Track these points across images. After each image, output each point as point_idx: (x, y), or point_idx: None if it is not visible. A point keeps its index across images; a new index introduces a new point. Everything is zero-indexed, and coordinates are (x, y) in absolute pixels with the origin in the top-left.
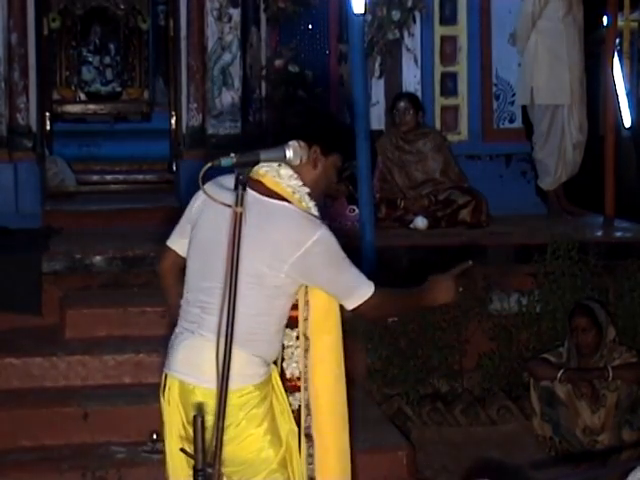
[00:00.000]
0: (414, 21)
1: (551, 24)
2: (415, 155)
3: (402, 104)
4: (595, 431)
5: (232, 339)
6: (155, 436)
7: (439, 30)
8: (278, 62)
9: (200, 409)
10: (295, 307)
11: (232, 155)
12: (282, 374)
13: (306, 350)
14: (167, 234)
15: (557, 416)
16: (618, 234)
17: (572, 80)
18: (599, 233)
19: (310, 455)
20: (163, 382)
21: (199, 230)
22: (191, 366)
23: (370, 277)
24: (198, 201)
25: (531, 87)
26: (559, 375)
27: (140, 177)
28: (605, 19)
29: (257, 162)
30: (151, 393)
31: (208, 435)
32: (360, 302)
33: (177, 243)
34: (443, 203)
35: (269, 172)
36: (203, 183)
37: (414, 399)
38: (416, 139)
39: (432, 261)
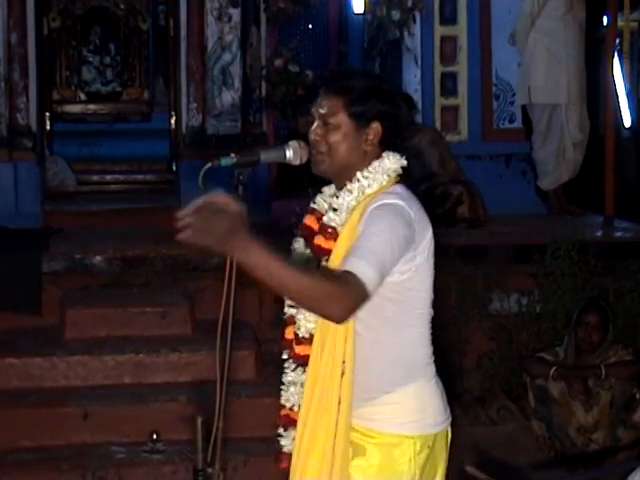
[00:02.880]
0: (414, 21)
1: (550, 23)
2: (411, 150)
3: None
4: (589, 430)
5: (231, 340)
6: (155, 436)
7: (439, 30)
8: (278, 62)
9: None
10: None
11: (232, 155)
12: None
13: None
14: (167, 234)
15: (550, 414)
16: (618, 234)
17: (570, 79)
18: (599, 233)
19: None
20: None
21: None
22: None
23: None
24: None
25: (529, 86)
26: (551, 372)
27: (140, 177)
28: (605, 19)
29: (257, 162)
30: (151, 393)
31: None
32: None
33: None
34: (440, 198)
35: None
36: (203, 183)
37: None
38: (411, 136)
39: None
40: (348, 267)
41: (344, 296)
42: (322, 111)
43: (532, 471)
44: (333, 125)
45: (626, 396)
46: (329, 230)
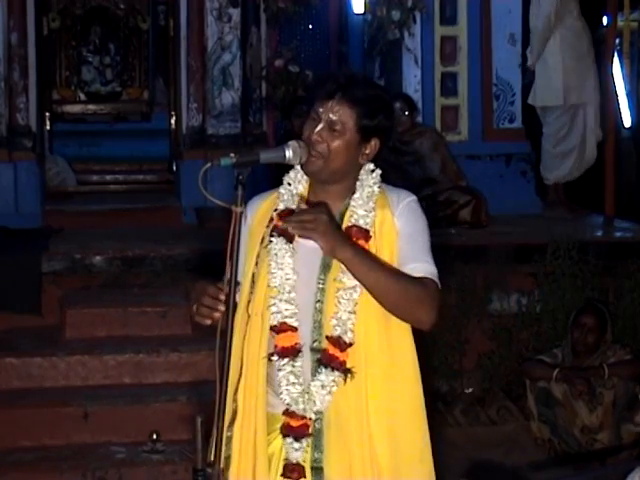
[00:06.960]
0: (414, 21)
1: (573, 22)
2: (412, 155)
3: (397, 105)
4: (594, 430)
5: (231, 340)
6: (155, 436)
7: (439, 30)
8: (278, 62)
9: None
10: None
11: (232, 155)
12: None
13: None
14: (167, 234)
15: (554, 416)
16: (618, 234)
17: (594, 78)
18: (599, 233)
19: None
20: None
21: None
22: None
23: None
24: None
25: (561, 86)
26: (555, 373)
27: (140, 177)
28: (605, 19)
29: (257, 162)
30: (151, 393)
31: None
32: None
33: None
34: (443, 204)
35: None
36: (203, 183)
37: None
38: (412, 139)
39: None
40: (423, 272)
41: (432, 301)
42: (332, 117)
43: (532, 471)
44: (339, 132)
45: (629, 395)
46: (362, 231)
